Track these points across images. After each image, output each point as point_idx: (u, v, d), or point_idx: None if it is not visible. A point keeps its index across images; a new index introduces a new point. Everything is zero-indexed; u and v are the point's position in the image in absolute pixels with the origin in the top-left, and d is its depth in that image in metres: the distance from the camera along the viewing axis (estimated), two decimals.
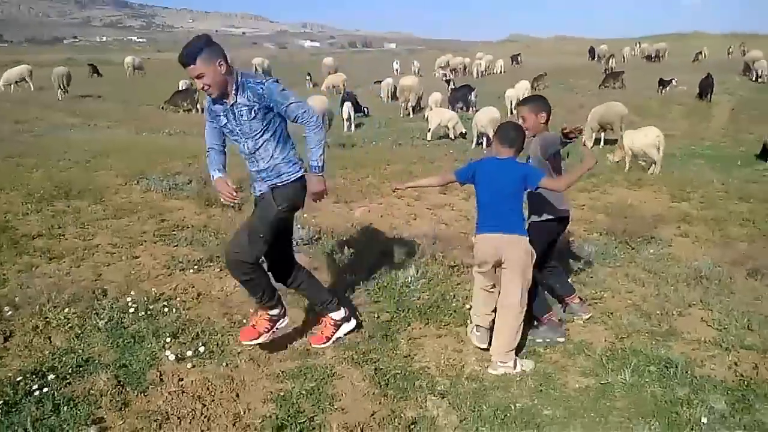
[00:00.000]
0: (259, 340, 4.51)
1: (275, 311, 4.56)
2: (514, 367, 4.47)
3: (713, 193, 9.49)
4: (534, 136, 4.84)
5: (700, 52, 50.60)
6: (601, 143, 19.44)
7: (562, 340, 4.90)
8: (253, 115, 4.20)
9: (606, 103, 19.60)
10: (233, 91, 4.16)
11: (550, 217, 4.86)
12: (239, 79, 4.16)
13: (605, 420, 3.95)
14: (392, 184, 5.78)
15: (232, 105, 4.21)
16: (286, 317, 4.69)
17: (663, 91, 31.18)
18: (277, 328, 4.61)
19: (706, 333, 5.02)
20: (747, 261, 6.43)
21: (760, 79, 35.16)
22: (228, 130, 4.43)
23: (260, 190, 4.63)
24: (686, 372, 4.40)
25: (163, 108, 25.78)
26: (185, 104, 26.11)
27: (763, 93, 31.25)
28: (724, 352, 4.71)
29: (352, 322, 4.89)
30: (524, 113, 4.86)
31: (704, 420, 3.86)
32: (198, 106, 26.28)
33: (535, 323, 5.02)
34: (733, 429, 3.82)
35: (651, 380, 4.33)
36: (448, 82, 32.73)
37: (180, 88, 27.06)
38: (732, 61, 46.50)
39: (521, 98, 25.97)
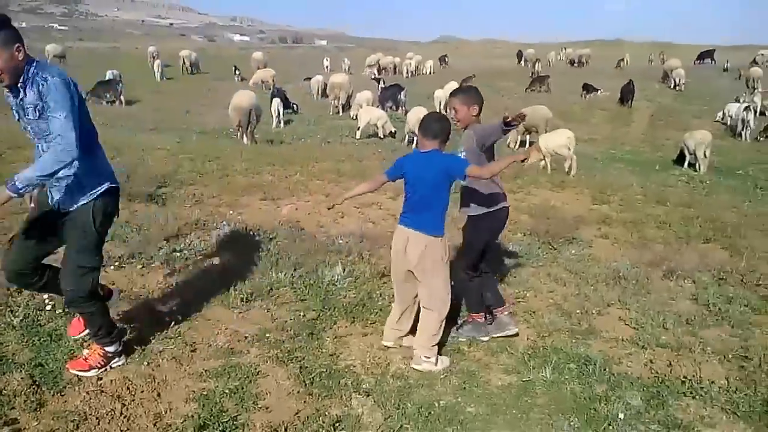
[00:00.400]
0: (89, 374, 4.12)
1: (111, 348, 4.24)
2: (436, 363, 4.51)
3: (632, 196, 9.80)
4: (465, 128, 4.75)
5: (623, 59, 52.17)
6: (526, 145, 19.81)
7: (485, 339, 4.93)
8: (37, 114, 3.60)
9: (531, 106, 19.99)
10: (22, 84, 3.58)
11: (486, 210, 4.77)
12: (32, 71, 3.57)
13: (526, 417, 4.03)
14: (329, 200, 5.77)
15: (21, 100, 3.63)
16: (122, 357, 4.33)
17: (587, 96, 32.03)
18: (111, 367, 4.24)
19: (623, 331, 5.19)
20: (663, 262, 6.67)
21: (677, 87, 36.48)
22: (23, 128, 3.81)
23: (57, 201, 3.92)
24: (604, 369, 4.53)
25: (85, 99, 24.99)
26: (108, 95, 25.40)
27: (681, 100, 32.50)
28: (641, 350, 4.87)
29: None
30: (455, 105, 4.72)
31: (621, 416, 3.98)
32: (122, 98, 25.63)
33: (459, 321, 5.08)
34: (648, 424, 3.95)
35: (571, 377, 4.45)
36: (378, 80, 32.80)
37: (104, 79, 26.27)
38: (652, 68, 48.18)
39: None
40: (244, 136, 15.89)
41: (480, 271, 5.00)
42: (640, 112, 28.61)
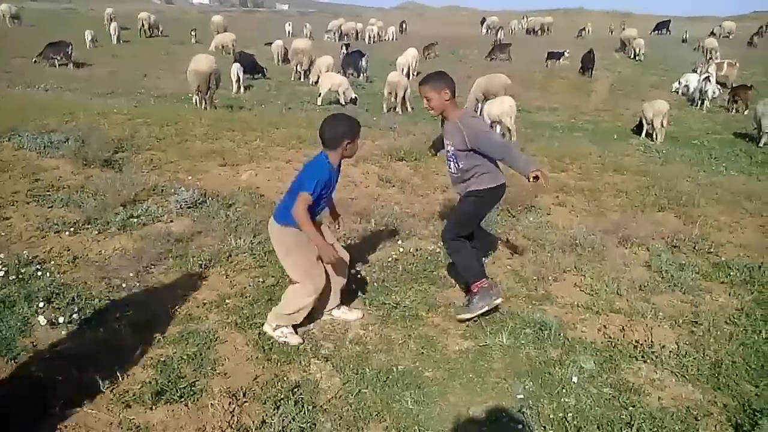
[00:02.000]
0: None
1: None
2: (274, 330, 4.43)
3: (590, 165, 9.91)
4: (442, 116, 4.65)
5: (584, 28, 52.43)
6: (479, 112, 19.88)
7: (498, 300, 4.73)
8: None
9: (490, 74, 20.03)
10: None
11: (488, 185, 4.65)
12: None
13: (483, 381, 4.10)
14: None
15: None
16: None
17: (552, 63, 32.15)
18: None
19: (578, 297, 5.28)
20: (618, 230, 6.77)
21: (637, 57, 36.81)
22: None
23: None
24: (559, 334, 4.62)
25: (35, 61, 24.31)
26: (58, 57, 24.69)
27: (640, 70, 32.82)
28: (595, 315, 4.97)
29: None
30: (426, 93, 4.56)
31: (575, 379, 4.07)
32: (72, 59, 24.96)
33: (466, 297, 4.89)
34: (601, 387, 4.05)
35: (526, 342, 4.52)
36: (346, 46, 32.45)
37: (53, 41, 25.50)
38: (613, 38, 48.41)
39: (411, 66, 25.89)
40: (203, 101, 15.66)
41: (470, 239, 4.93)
42: (601, 82, 28.85)
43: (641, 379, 4.14)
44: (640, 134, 17.64)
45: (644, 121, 17.46)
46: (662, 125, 16.91)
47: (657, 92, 24.93)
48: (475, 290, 4.72)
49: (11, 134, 8.50)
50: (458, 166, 4.67)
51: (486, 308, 4.69)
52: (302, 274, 4.34)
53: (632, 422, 3.68)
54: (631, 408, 3.82)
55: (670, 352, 4.44)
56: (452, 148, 4.64)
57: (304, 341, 4.41)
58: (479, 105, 18.98)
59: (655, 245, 6.44)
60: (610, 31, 55.73)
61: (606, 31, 56.04)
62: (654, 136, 17.06)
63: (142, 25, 40.18)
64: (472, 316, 4.71)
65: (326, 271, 4.43)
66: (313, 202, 4.14)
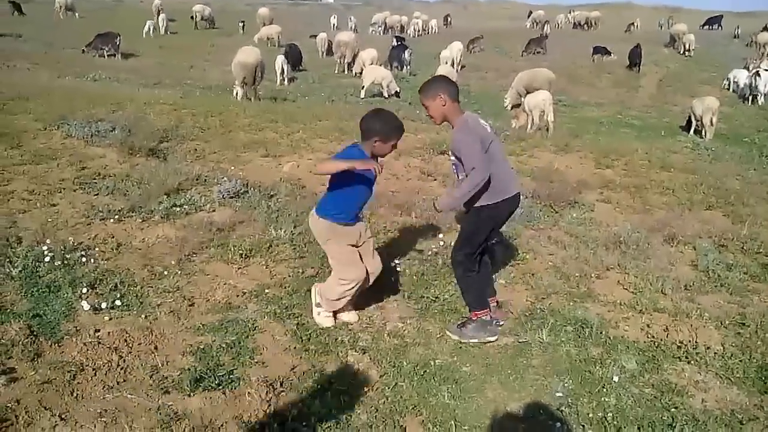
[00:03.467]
0: None
1: None
2: (319, 314, 4.53)
3: (636, 161, 9.73)
4: (444, 123, 4.36)
5: (633, 23, 51.54)
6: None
7: (493, 339, 4.45)
8: None
9: (533, 69, 19.80)
10: None
11: (487, 202, 4.27)
12: None
13: (521, 377, 4.05)
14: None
15: None
16: None
17: (598, 59, 31.65)
18: None
19: (621, 295, 5.18)
20: (664, 228, 6.64)
21: (687, 53, 36.07)
22: None
23: None
24: (601, 332, 4.54)
25: (84, 52, 24.75)
26: (107, 48, 25.08)
27: (690, 66, 32.16)
28: (638, 314, 4.87)
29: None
30: (423, 102, 4.29)
31: (615, 378, 4.00)
32: (120, 51, 25.33)
33: (464, 317, 4.64)
34: (642, 387, 3.97)
35: (567, 340, 4.46)
36: (399, 39, 32.23)
37: (102, 32, 25.91)
38: (662, 33, 47.55)
39: (456, 60, 25.72)
40: (246, 93, 15.77)
41: (479, 266, 4.59)
42: (648, 77, 28.33)
43: (684, 381, 4.05)
44: (688, 131, 17.26)
45: (693, 118, 17.08)
46: (712, 122, 16.52)
47: (707, 88, 24.32)
48: (474, 318, 4.47)
49: (60, 123, 8.66)
50: (457, 177, 4.36)
51: (476, 341, 4.41)
52: (338, 264, 4.36)
53: (674, 424, 3.60)
54: (673, 409, 3.74)
55: (715, 353, 4.34)
56: (453, 158, 4.33)
57: (335, 325, 4.50)
58: (519, 99, 18.82)
59: (702, 244, 6.29)
60: (659, 26, 54.68)
61: (654, 25, 55.02)
62: (703, 134, 16.68)
63: (194, 17, 40.59)
64: (459, 340, 4.48)
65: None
66: (354, 195, 4.21)
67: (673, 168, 9.42)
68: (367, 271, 4.44)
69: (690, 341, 4.47)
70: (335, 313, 4.56)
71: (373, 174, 4.17)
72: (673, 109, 21.57)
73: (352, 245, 4.37)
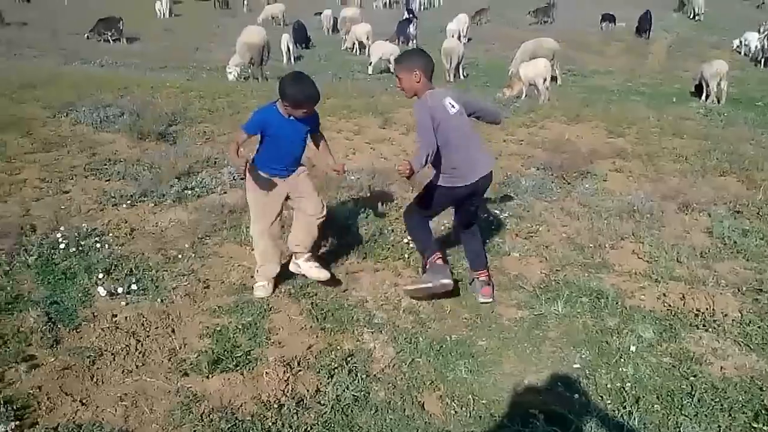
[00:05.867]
0: None
1: None
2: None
3: (648, 129, 9.65)
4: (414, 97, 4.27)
5: None
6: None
7: (445, 281, 4.37)
8: None
9: (536, 38, 19.59)
10: None
11: (442, 184, 4.33)
12: None
13: (538, 350, 4.05)
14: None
15: None
16: None
17: (606, 26, 31.28)
18: None
19: (636, 265, 5.16)
20: (678, 195, 6.59)
21: (697, 17, 35.57)
22: None
23: None
24: (617, 303, 4.53)
25: (88, 37, 24.67)
26: (109, 33, 24.95)
27: (700, 31, 31.72)
28: (654, 283, 4.85)
29: None
30: (398, 73, 4.28)
31: (633, 348, 3.99)
32: (123, 36, 25.22)
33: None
34: (660, 356, 3.96)
35: (583, 311, 4.45)
36: (410, 12, 31.80)
37: (103, 17, 25.78)
38: None
39: (461, 32, 25.40)
40: (254, 73, 15.72)
41: (430, 214, 4.64)
42: (658, 43, 27.96)
43: (702, 349, 4.04)
44: (699, 97, 17.05)
45: (703, 83, 16.87)
46: (722, 86, 16.32)
47: (718, 53, 24.02)
48: (427, 266, 4.48)
49: (69, 110, 8.66)
50: None
51: (430, 285, 4.38)
52: (252, 213, 4.58)
53: (693, 392, 3.59)
54: (692, 378, 3.74)
55: (732, 320, 4.32)
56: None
57: (270, 295, 4.56)
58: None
59: (716, 211, 6.25)
60: None
61: None
62: (714, 98, 16.49)
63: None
64: (415, 287, 4.51)
65: (275, 217, 4.55)
66: (270, 148, 4.36)
67: (686, 135, 9.35)
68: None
69: (707, 309, 4.45)
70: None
71: (287, 129, 4.27)
72: (683, 75, 21.29)
73: (264, 201, 4.45)
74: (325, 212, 4.52)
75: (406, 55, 4.39)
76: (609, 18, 31.63)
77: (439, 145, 4.10)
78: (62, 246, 4.98)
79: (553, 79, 16.61)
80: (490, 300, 4.60)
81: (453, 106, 4.22)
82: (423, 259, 4.59)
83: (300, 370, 3.73)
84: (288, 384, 3.58)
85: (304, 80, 4.26)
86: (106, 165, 6.89)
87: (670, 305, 4.53)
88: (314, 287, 4.65)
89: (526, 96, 14.30)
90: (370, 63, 19.23)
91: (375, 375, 3.76)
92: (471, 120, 4.40)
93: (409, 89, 4.24)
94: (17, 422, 3.17)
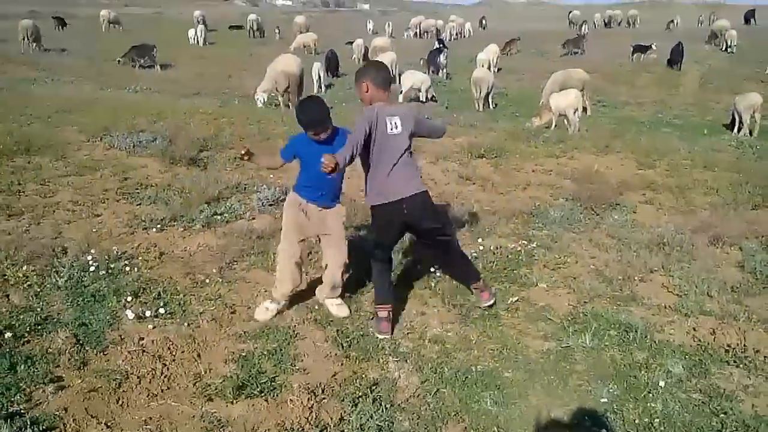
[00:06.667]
0: None
1: None
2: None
3: (679, 161, 9.56)
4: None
5: (672, 21, 50.72)
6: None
7: (381, 336, 4.46)
8: None
9: (566, 69, 19.60)
10: None
11: (370, 202, 4.49)
12: None
13: (565, 383, 4.00)
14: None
15: None
16: None
17: (638, 57, 31.19)
18: None
19: (666, 299, 5.09)
20: (709, 228, 6.50)
21: (729, 49, 35.36)
22: None
23: None
24: (645, 336, 4.46)
25: (119, 62, 25.16)
26: (142, 60, 25.42)
27: (732, 63, 31.50)
28: (684, 317, 4.78)
29: None
30: (355, 85, 4.51)
31: (662, 383, 3.92)
32: (157, 63, 25.69)
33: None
34: (690, 392, 3.89)
35: (611, 344, 4.39)
36: (440, 42, 32.09)
37: (136, 44, 26.34)
38: (702, 30, 46.70)
39: (491, 62, 25.58)
40: (288, 100, 15.87)
41: (390, 258, 4.69)
42: (690, 75, 27.82)
43: (733, 385, 3.95)
44: (732, 129, 16.91)
45: (736, 115, 16.73)
46: (756, 119, 16.18)
47: (751, 85, 23.81)
48: (377, 312, 4.59)
49: (103, 134, 8.83)
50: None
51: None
52: (282, 230, 4.68)
53: (723, 430, 3.52)
54: (722, 415, 3.65)
55: (765, 357, 4.23)
56: None
57: (270, 318, 4.61)
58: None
59: (748, 245, 6.15)
60: (698, 23, 53.69)
61: (695, 22, 54.06)
62: (747, 131, 16.33)
63: (251, 26, 41.14)
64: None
65: (297, 239, 4.64)
66: (302, 172, 4.56)
67: (717, 167, 9.24)
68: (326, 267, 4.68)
69: (738, 344, 4.36)
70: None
71: (316, 156, 4.11)
72: (715, 107, 21.16)
73: (294, 221, 4.57)
74: (347, 262, 4.69)
75: (359, 69, 4.55)
76: (641, 49, 31.56)
77: (371, 161, 4.32)
78: (92, 268, 5.04)
79: (583, 109, 16.62)
80: (492, 301, 4.82)
81: (396, 127, 4.31)
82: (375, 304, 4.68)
83: (324, 398, 3.72)
84: (312, 411, 3.56)
85: (308, 104, 4.44)
86: (137, 189, 6.99)
87: (700, 340, 4.46)
88: None
89: (555, 126, 14.32)
90: (401, 92, 19.35)
91: (399, 404, 3.73)
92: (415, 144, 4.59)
93: (364, 99, 4.40)
94: None
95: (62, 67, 21.66)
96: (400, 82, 19.99)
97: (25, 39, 27.51)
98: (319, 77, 21.13)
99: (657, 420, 3.61)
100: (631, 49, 32.00)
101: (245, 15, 48.41)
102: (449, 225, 6.12)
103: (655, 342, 4.42)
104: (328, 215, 4.58)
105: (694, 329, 4.59)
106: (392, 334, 4.51)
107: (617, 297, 5.10)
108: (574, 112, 14.79)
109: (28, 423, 3.28)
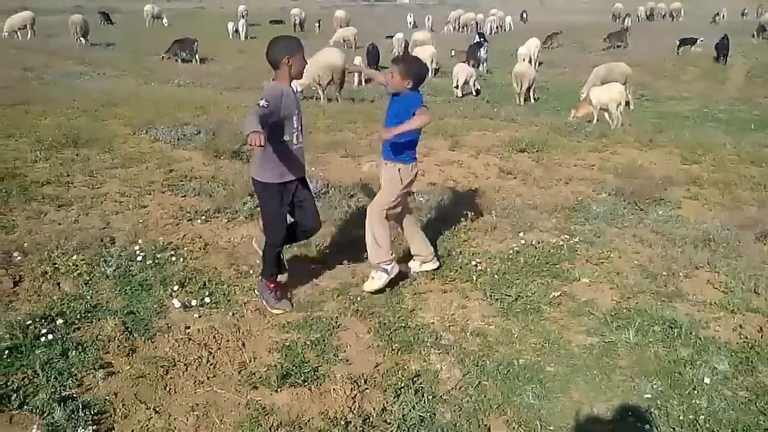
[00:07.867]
0: None
1: None
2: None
3: (725, 156, 9.39)
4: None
5: (718, 13, 49.63)
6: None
7: (277, 311, 4.60)
8: None
9: (608, 63, 19.36)
10: None
11: (263, 180, 4.56)
12: None
13: (608, 378, 3.98)
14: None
15: None
16: None
17: (684, 51, 30.62)
18: None
19: (712, 295, 5.02)
20: (756, 225, 6.38)
21: None
22: None
23: None
24: (690, 333, 4.41)
25: (163, 58, 25.54)
26: (184, 54, 25.78)
27: None
28: (730, 314, 4.71)
29: None
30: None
31: (707, 380, 3.88)
32: (197, 56, 26.02)
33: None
34: (736, 390, 3.84)
35: (655, 340, 4.35)
36: (480, 35, 31.93)
37: (178, 38, 26.73)
38: (748, 23, 45.62)
39: (532, 56, 25.48)
40: (325, 95, 15.91)
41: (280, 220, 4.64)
42: (736, 69, 27.23)
43: None
44: None
45: None
46: None
47: None
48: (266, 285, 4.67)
49: (148, 127, 8.98)
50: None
51: (264, 304, 4.63)
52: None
53: None
54: None
55: None
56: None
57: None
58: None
59: None
60: (743, 15, 52.42)
61: (739, 15, 52.85)
62: None
63: (295, 20, 41.40)
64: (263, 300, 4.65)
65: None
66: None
67: (765, 163, 9.05)
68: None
69: None
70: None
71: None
72: (763, 101, 20.71)
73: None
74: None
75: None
76: (688, 42, 30.94)
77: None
78: (139, 258, 5.16)
79: (626, 104, 16.41)
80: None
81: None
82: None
83: (367, 388, 3.75)
84: (355, 401, 3.61)
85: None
86: (182, 181, 7.10)
87: (746, 337, 4.39)
88: (381, 306, 4.69)
89: (597, 120, 14.17)
90: (456, 85, 19.53)
91: (441, 396, 3.75)
92: None
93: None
94: (95, 427, 3.29)
95: (107, 61, 22.02)
96: (454, 76, 20.15)
97: (75, 33, 28.13)
98: None
99: (702, 417, 3.57)
100: (677, 43, 31.42)
101: (285, 9, 48.72)
102: None
103: (700, 339, 4.36)
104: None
105: (741, 326, 4.53)
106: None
107: (661, 293, 5.04)
108: (617, 107, 14.60)
109: (80, 407, 3.38)
